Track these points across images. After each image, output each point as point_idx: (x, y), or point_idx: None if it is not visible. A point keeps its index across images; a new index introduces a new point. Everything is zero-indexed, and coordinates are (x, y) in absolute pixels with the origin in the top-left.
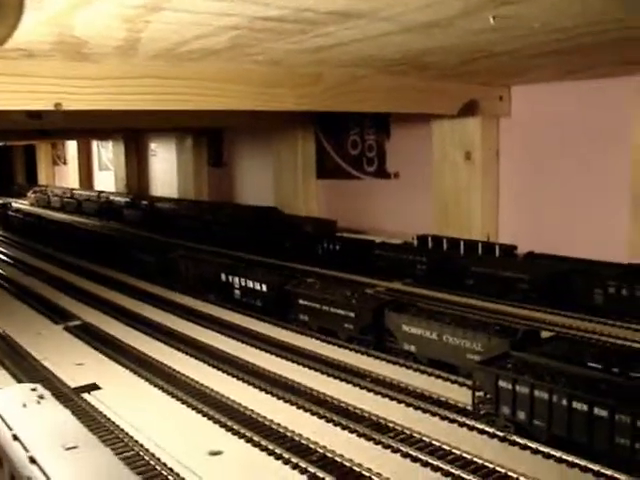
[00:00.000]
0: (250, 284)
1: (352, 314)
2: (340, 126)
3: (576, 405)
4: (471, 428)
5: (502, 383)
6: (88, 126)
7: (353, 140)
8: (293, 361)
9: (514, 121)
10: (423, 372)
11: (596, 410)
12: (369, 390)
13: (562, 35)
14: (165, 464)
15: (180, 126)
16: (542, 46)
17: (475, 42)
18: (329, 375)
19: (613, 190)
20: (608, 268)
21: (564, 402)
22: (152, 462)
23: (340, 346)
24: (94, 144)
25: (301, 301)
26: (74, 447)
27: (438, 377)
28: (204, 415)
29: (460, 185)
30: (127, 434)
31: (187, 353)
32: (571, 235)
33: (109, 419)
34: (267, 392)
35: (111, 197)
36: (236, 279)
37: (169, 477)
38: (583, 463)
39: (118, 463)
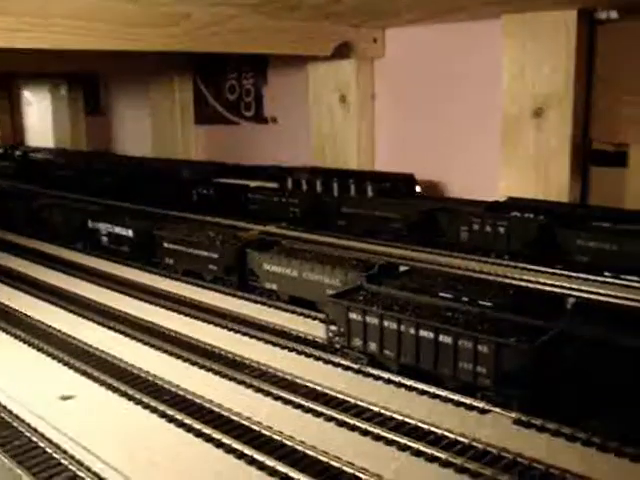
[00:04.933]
0: (116, 230)
1: (216, 255)
2: (218, 70)
3: (423, 333)
4: (326, 362)
5: (352, 315)
6: None
7: (231, 85)
8: (156, 304)
9: (389, 63)
10: (285, 310)
11: (441, 337)
12: (229, 329)
13: None
14: (11, 411)
15: (52, 71)
16: None
17: None
18: (191, 316)
19: (486, 131)
20: (473, 206)
21: (412, 331)
22: None
23: (205, 287)
24: None
25: (166, 244)
26: None
27: (300, 314)
28: (60, 361)
29: (336, 128)
30: None
31: (50, 302)
32: (447, 175)
33: None
34: (126, 335)
35: None
36: (102, 225)
37: (13, 423)
38: (432, 390)
39: None
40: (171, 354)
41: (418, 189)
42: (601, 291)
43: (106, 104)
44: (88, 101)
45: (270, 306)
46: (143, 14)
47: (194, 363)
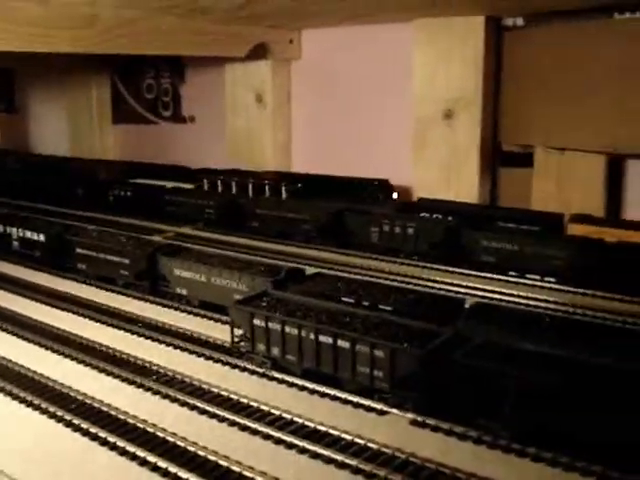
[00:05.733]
0: (28, 234)
1: (127, 260)
2: (135, 69)
3: (322, 339)
4: (233, 366)
5: (256, 321)
6: None
7: (149, 84)
8: (67, 310)
9: (305, 64)
10: (195, 314)
11: (340, 342)
12: (139, 335)
13: None
14: None
15: None
16: None
17: None
18: (101, 322)
19: (403, 131)
20: (384, 207)
21: (312, 336)
22: None
23: (117, 293)
24: None
25: (79, 250)
26: None
27: (210, 319)
28: None
29: (252, 127)
30: None
31: None
32: (364, 173)
33: None
34: (30, 341)
35: None
36: (14, 230)
37: None
38: (333, 393)
39: None
40: (77, 361)
41: (395, 195)
42: (505, 291)
43: (21, 102)
44: (2, 98)
45: (180, 310)
46: (49, 16)
47: (101, 370)
